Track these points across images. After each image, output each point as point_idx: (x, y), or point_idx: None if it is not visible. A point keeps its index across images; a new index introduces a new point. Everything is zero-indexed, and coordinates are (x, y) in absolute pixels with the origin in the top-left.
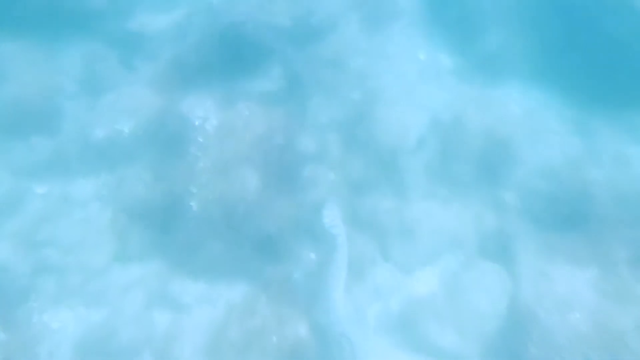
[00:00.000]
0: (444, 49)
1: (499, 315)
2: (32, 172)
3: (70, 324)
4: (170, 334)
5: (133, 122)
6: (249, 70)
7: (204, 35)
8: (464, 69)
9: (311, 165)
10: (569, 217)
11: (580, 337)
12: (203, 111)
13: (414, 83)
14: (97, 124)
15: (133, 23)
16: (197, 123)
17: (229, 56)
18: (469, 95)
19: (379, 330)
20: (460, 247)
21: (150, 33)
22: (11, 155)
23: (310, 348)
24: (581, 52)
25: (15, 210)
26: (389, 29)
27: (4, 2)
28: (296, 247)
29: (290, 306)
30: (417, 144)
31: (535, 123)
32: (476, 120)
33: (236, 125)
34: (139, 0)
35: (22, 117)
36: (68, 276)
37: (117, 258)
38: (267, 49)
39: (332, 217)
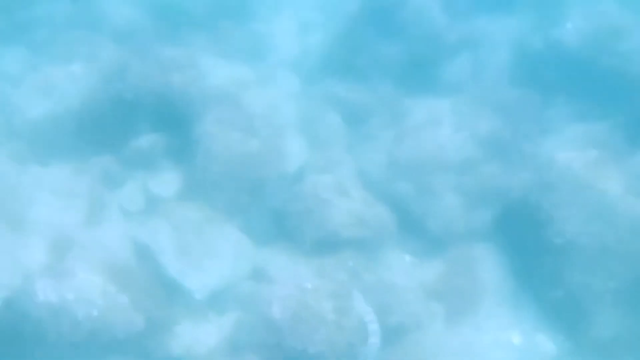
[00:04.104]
0: (542, 329)
1: None
2: None
3: None
4: None
5: None
6: None
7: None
8: (572, 354)
9: None
10: None
11: None
12: None
13: None
14: None
15: (175, 344)
16: None
17: None
18: None
19: None
20: None
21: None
22: None
23: None
24: None
25: None
26: (475, 316)
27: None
28: None
29: None
30: None
31: None
32: None
33: None
34: (181, 312)
35: None
36: None
37: None
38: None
39: None
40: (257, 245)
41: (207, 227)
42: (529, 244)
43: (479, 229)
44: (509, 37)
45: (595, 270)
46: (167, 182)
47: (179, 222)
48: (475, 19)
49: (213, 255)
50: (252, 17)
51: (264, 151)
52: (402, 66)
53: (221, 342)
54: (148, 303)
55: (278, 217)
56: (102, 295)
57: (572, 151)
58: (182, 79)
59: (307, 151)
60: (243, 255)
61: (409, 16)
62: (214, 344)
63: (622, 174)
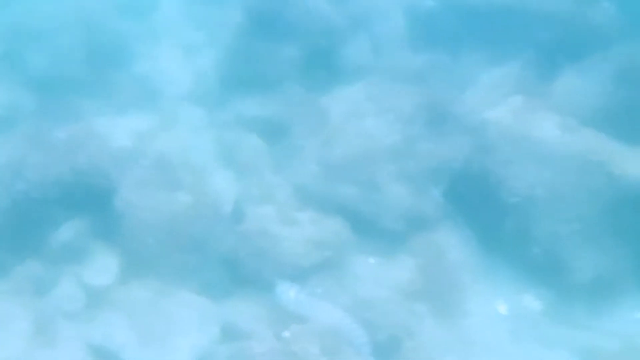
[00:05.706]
0: (525, 290)
1: None
2: None
3: None
4: None
5: None
6: None
7: None
8: (559, 305)
9: None
10: None
11: None
12: None
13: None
14: None
15: None
16: None
17: None
18: (591, 346)
19: None
20: None
21: None
22: None
23: None
24: None
25: None
26: (458, 301)
27: None
28: None
29: None
30: None
31: None
32: None
33: None
34: None
35: None
36: None
37: None
38: None
39: None
40: (220, 303)
41: (162, 302)
42: (487, 211)
43: (434, 211)
44: (397, 4)
45: (558, 217)
46: (103, 268)
47: (130, 306)
48: None
49: (177, 330)
50: (132, 58)
51: (194, 201)
52: (305, 65)
53: None
54: None
55: (232, 266)
56: None
57: (498, 105)
58: (87, 155)
59: (237, 186)
60: (208, 318)
61: (295, 13)
62: None
63: (550, 111)
